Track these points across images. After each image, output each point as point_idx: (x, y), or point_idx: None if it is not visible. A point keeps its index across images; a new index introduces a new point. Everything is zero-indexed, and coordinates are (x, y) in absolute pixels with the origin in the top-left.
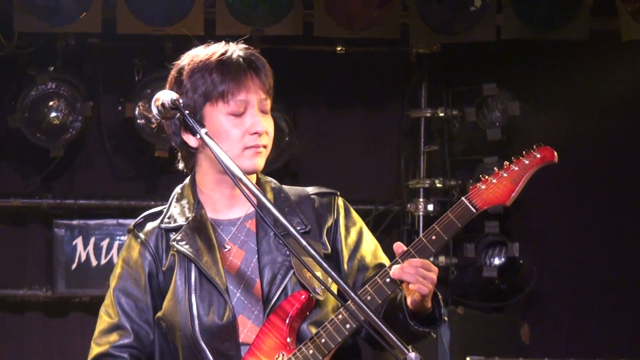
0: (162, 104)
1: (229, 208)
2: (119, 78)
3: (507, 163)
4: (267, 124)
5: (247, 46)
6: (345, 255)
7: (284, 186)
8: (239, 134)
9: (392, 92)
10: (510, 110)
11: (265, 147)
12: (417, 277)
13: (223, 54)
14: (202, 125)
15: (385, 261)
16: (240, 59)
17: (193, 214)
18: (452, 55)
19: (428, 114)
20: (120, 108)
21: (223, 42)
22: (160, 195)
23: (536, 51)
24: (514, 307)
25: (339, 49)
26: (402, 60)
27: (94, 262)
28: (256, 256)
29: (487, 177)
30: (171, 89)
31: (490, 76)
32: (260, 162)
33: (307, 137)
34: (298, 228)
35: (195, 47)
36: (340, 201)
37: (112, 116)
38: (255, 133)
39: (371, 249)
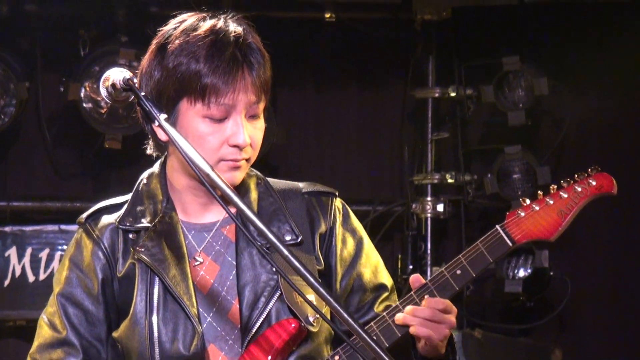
0: (113, 85)
1: (202, 211)
2: (60, 53)
3: (555, 188)
4: (254, 132)
5: (243, 23)
6: (339, 271)
7: (270, 180)
8: (216, 143)
9: (392, 67)
10: (537, 89)
11: (248, 160)
12: (429, 323)
13: (216, 38)
14: (161, 110)
15: (387, 281)
16: (236, 50)
17: (161, 215)
18: (465, 22)
19: (436, 94)
20: (62, 89)
21: (220, 17)
22: (112, 195)
23: (568, 16)
24: (543, 330)
25: (327, 15)
26: (405, 28)
27: (31, 278)
28: (234, 272)
29: (528, 202)
30: (151, 60)
31: (512, 47)
32: (238, 177)
33: (290, 123)
34: (287, 239)
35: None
36: (338, 203)
37: (52, 99)
38: (236, 146)
39: (371, 265)
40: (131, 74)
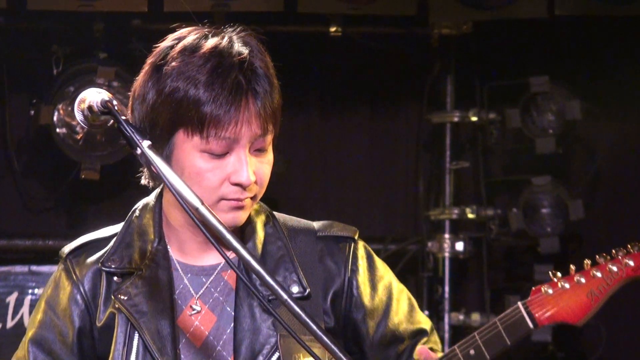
0: (90, 107)
1: (202, 251)
2: (31, 71)
3: (589, 263)
4: (260, 168)
5: (252, 41)
6: (370, 324)
7: (280, 218)
8: (215, 180)
9: (406, 88)
10: (568, 113)
11: (253, 197)
12: None
13: (218, 61)
14: (144, 136)
15: (425, 324)
16: (239, 76)
17: (150, 257)
18: (488, 37)
19: (456, 119)
20: (32, 112)
21: (224, 35)
22: (88, 232)
23: (603, 30)
24: None
25: (333, 29)
26: (420, 44)
27: None
28: (232, 325)
29: (556, 278)
30: (145, 82)
31: (541, 66)
32: (241, 217)
33: (292, 150)
34: (294, 291)
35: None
36: (360, 250)
37: (21, 123)
38: (238, 184)
39: (404, 311)
40: (110, 95)
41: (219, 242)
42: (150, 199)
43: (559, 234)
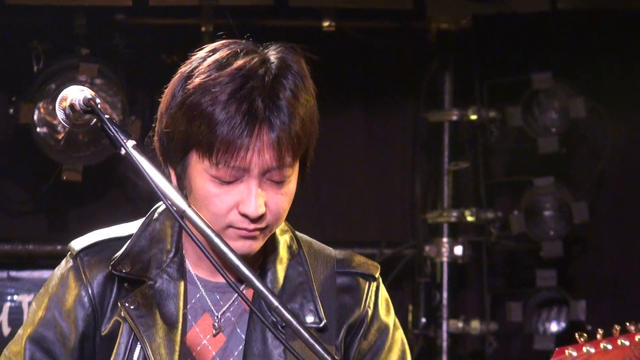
0: (72, 105)
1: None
2: (10, 68)
3: (618, 330)
4: (276, 199)
5: (290, 62)
6: None
7: (302, 240)
8: (223, 207)
9: (402, 85)
10: (572, 110)
11: (264, 230)
12: None
13: (241, 83)
14: (129, 135)
15: None
16: (258, 101)
17: (164, 269)
18: (488, 32)
19: (454, 117)
20: (11, 111)
21: (259, 52)
22: (71, 236)
23: (608, 25)
24: None
25: (326, 24)
26: (417, 40)
27: None
28: (241, 347)
29: (582, 339)
30: (174, 88)
31: (543, 62)
32: (252, 247)
33: None
34: (309, 320)
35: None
36: (380, 289)
37: (0, 123)
38: (245, 215)
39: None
40: (93, 93)
41: (228, 265)
42: None
43: (563, 237)
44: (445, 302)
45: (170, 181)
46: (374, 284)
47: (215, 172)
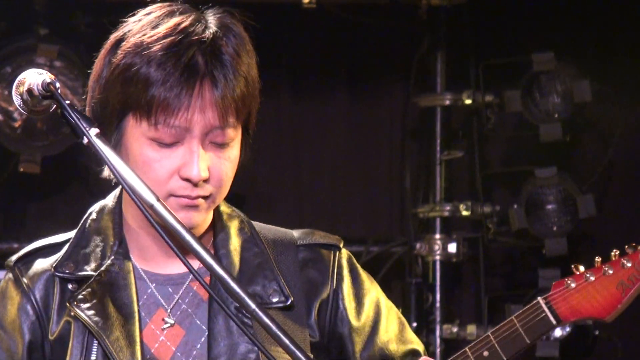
0: (29, 90)
1: (166, 258)
2: None
3: (617, 254)
4: (219, 164)
5: (228, 21)
6: (357, 340)
7: (257, 225)
8: (163, 173)
9: (390, 67)
10: (577, 94)
11: (207, 198)
12: None
13: (176, 39)
14: (91, 123)
15: (419, 345)
16: (197, 56)
17: (109, 262)
18: (484, 8)
19: (447, 102)
20: None
21: (194, 13)
22: (28, 234)
23: (615, 2)
24: None
25: (306, 0)
26: (407, 17)
27: None
28: (203, 339)
29: (581, 269)
30: (104, 57)
31: (545, 41)
32: (195, 218)
33: (259, 139)
34: (274, 300)
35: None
36: (343, 258)
37: None
38: (187, 180)
39: (394, 329)
40: (52, 77)
41: (183, 249)
42: (108, 201)
43: (567, 233)
44: (438, 304)
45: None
46: (339, 253)
47: (154, 133)
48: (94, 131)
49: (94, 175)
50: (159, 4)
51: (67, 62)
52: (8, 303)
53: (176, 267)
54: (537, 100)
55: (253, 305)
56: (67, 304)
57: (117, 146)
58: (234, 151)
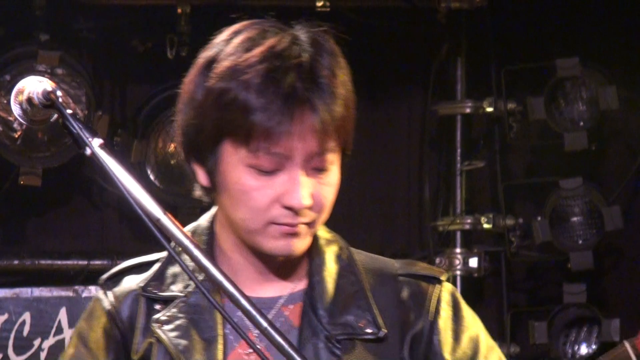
0: (29, 99)
1: (260, 281)
2: None
3: None
4: (320, 190)
5: (321, 40)
6: None
7: (355, 252)
8: (264, 201)
9: (409, 74)
10: (603, 101)
11: (308, 224)
12: None
13: (274, 64)
14: (94, 133)
15: None
16: (297, 82)
17: (198, 282)
18: (506, 12)
19: (468, 109)
20: None
21: (287, 32)
22: (29, 250)
23: None
24: None
25: (320, 4)
26: (425, 21)
27: None
28: None
29: None
30: (196, 78)
31: (570, 46)
32: (296, 246)
33: None
34: (367, 332)
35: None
36: (444, 292)
37: None
38: (289, 208)
39: None
40: (53, 85)
41: (279, 275)
42: (202, 220)
43: (593, 247)
44: None
45: (143, 186)
46: (439, 287)
47: (253, 160)
48: (97, 142)
49: (98, 187)
50: (247, 22)
51: (68, 69)
52: (94, 322)
53: (268, 291)
54: (561, 108)
55: (265, 324)
56: (151, 326)
57: (214, 172)
58: (334, 175)
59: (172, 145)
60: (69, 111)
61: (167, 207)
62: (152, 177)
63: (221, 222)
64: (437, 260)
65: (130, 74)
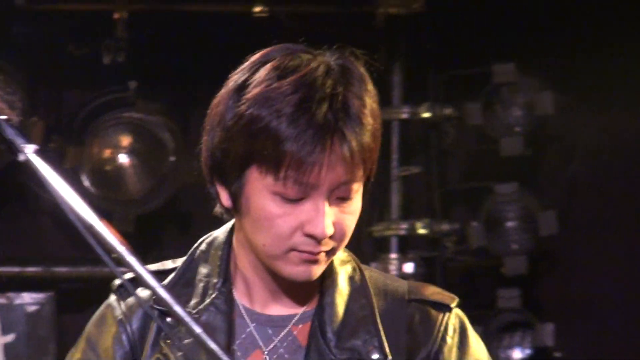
0: None
1: (270, 300)
2: None
3: None
4: (342, 218)
5: (351, 67)
6: None
7: (367, 272)
8: (286, 229)
9: None
10: (539, 106)
11: (329, 252)
12: None
13: (306, 94)
14: (29, 139)
15: None
16: (328, 113)
17: (209, 300)
18: (443, 17)
19: (404, 115)
20: None
21: (317, 58)
22: None
23: (578, 10)
24: None
25: (257, 9)
26: (362, 26)
27: None
28: None
29: None
30: (227, 99)
31: (506, 52)
32: (314, 271)
33: None
34: (373, 358)
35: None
36: (453, 319)
37: None
38: (311, 236)
39: None
40: None
41: (289, 293)
42: (220, 232)
43: (528, 252)
44: None
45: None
46: (449, 315)
47: (280, 188)
48: (31, 148)
49: (32, 194)
50: (278, 46)
51: (3, 74)
52: (104, 330)
53: (280, 309)
54: (497, 113)
55: (198, 330)
56: (160, 341)
57: (238, 195)
58: (357, 203)
59: (108, 151)
60: (3, 117)
61: (101, 213)
62: (86, 183)
63: (239, 240)
64: (373, 265)
65: (65, 80)
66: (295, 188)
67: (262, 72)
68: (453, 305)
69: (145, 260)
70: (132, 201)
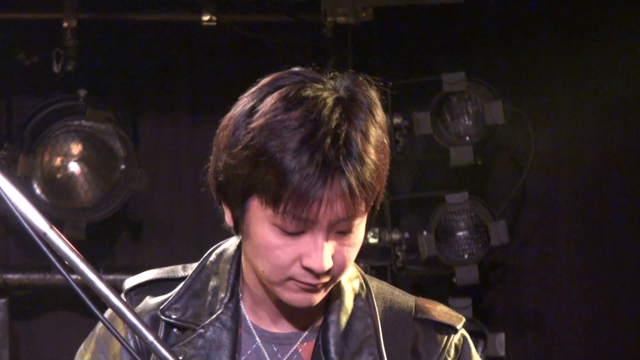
0: None
1: (275, 317)
2: None
3: None
4: (342, 251)
5: (360, 98)
6: None
7: (375, 288)
8: (285, 260)
9: None
10: (489, 116)
11: (327, 283)
12: None
13: (314, 128)
14: None
15: None
16: (331, 149)
17: (214, 317)
18: (392, 27)
19: None
20: None
21: (327, 86)
22: None
23: (529, 19)
24: None
25: (206, 18)
26: (311, 35)
27: None
28: None
29: None
30: (240, 118)
31: (456, 61)
32: (313, 299)
33: (156, 163)
34: None
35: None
36: (457, 341)
37: None
38: (310, 270)
39: None
40: None
41: (293, 315)
42: (230, 245)
43: (478, 261)
44: None
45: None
46: (454, 337)
47: (279, 221)
48: None
49: None
50: (288, 72)
51: None
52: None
53: (286, 326)
54: (447, 123)
55: (151, 338)
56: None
57: (239, 220)
58: (359, 234)
59: (59, 159)
60: None
61: (53, 221)
62: (38, 191)
63: (246, 254)
64: None
65: (16, 88)
66: (294, 223)
67: (270, 101)
68: (459, 326)
69: (96, 267)
70: (83, 209)
